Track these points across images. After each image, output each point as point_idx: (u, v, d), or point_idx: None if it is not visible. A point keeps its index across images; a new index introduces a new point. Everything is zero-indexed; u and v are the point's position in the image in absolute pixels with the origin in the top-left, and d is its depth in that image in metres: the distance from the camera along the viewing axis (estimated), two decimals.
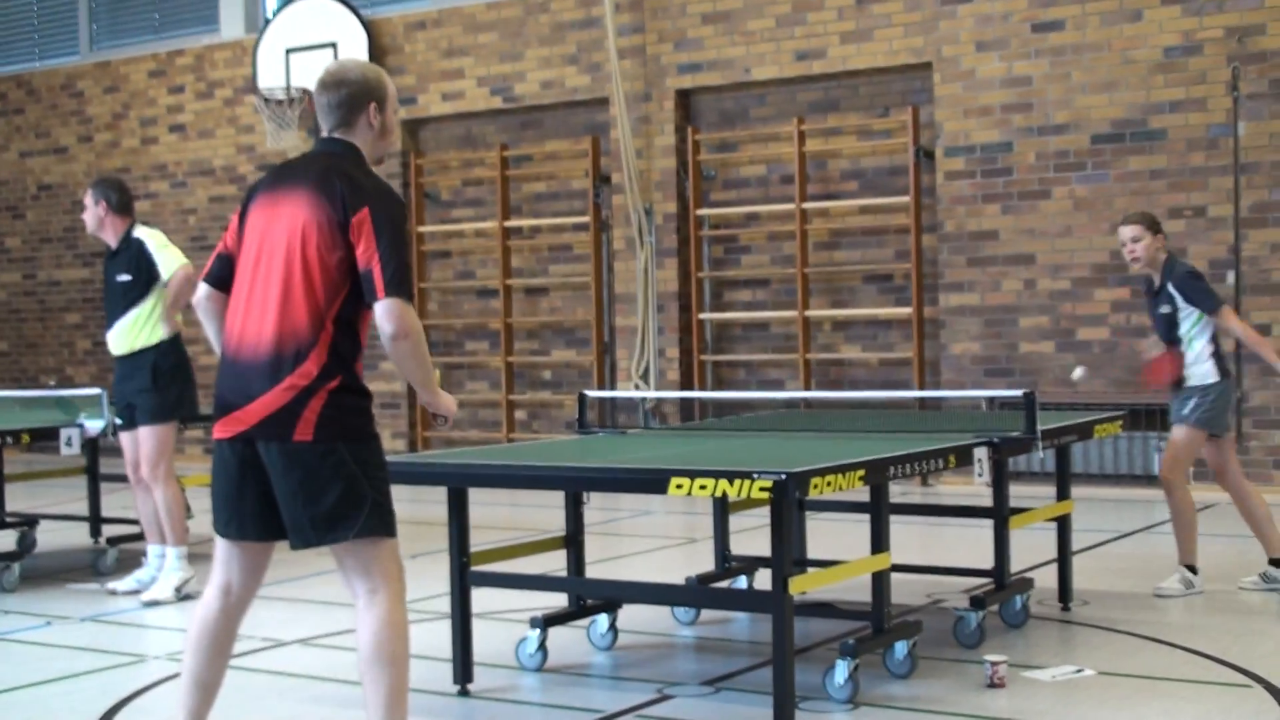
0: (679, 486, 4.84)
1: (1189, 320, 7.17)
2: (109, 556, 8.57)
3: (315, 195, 4.20)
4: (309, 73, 14.20)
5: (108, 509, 9.58)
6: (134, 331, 7.71)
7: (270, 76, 14.37)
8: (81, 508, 9.76)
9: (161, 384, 7.69)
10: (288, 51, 14.32)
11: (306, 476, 4.17)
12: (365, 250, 4.13)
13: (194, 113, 15.55)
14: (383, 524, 4.33)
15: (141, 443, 7.72)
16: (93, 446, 8.95)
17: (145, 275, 7.68)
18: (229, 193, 15.27)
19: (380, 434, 4.39)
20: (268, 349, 4.17)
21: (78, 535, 9.65)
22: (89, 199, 7.87)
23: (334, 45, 14.20)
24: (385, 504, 4.33)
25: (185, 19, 15.96)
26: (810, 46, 12.37)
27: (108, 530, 9.30)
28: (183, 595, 7.66)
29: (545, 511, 9.92)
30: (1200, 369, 7.17)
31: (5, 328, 17.01)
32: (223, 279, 4.43)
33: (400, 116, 14.18)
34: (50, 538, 9.60)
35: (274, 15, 14.65)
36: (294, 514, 4.25)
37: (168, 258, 7.69)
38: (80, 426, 8.19)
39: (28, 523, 9.25)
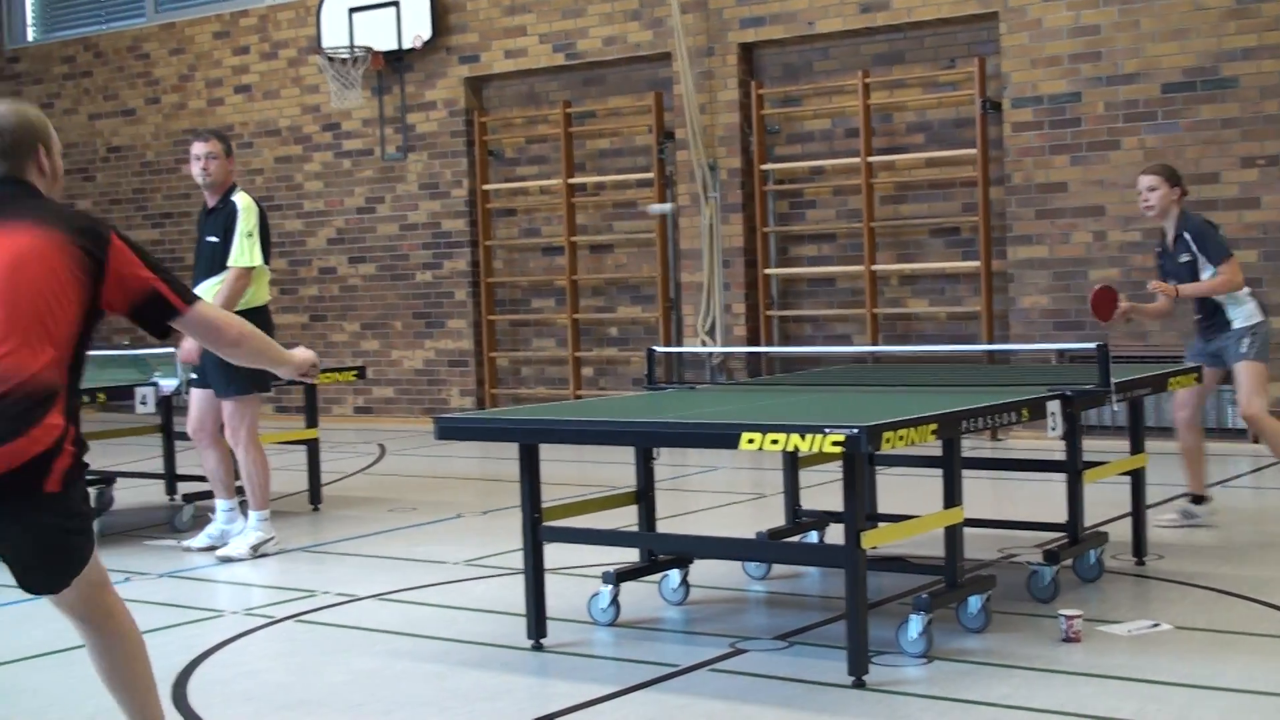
0: (750, 441, 4.84)
1: (1210, 268, 7.46)
2: (185, 513, 8.68)
3: (46, 229, 3.73)
4: (373, 32, 14.24)
5: (182, 466, 9.71)
6: (215, 296, 7.65)
7: (334, 36, 14.40)
8: (156, 465, 9.90)
9: None
10: (351, 11, 14.34)
11: (49, 527, 3.69)
12: (136, 272, 3.80)
13: (259, 73, 15.62)
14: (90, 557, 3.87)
15: (223, 411, 7.78)
16: (166, 405, 9.06)
17: (227, 243, 7.67)
18: (295, 153, 15.35)
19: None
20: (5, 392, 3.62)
21: (153, 492, 9.79)
22: (218, 148, 7.76)
23: (396, 4, 14.21)
24: (92, 535, 3.91)
25: None
26: None
27: (182, 487, 9.43)
28: (258, 554, 7.75)
29: (612, 468, 9.97)
30: (1244, 309, 7.53)
31: None
32: None
33: (464, 74, 14.21)
34: (126, 495, 9.74)
35: None
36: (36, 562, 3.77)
37: (243, 248, 7.63)
38: (155, 385, 8.29)
39: (105, 480, 9.39)
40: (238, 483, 8.05)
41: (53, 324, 3.69)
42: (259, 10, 15.57)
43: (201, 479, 9.37)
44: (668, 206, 7.58)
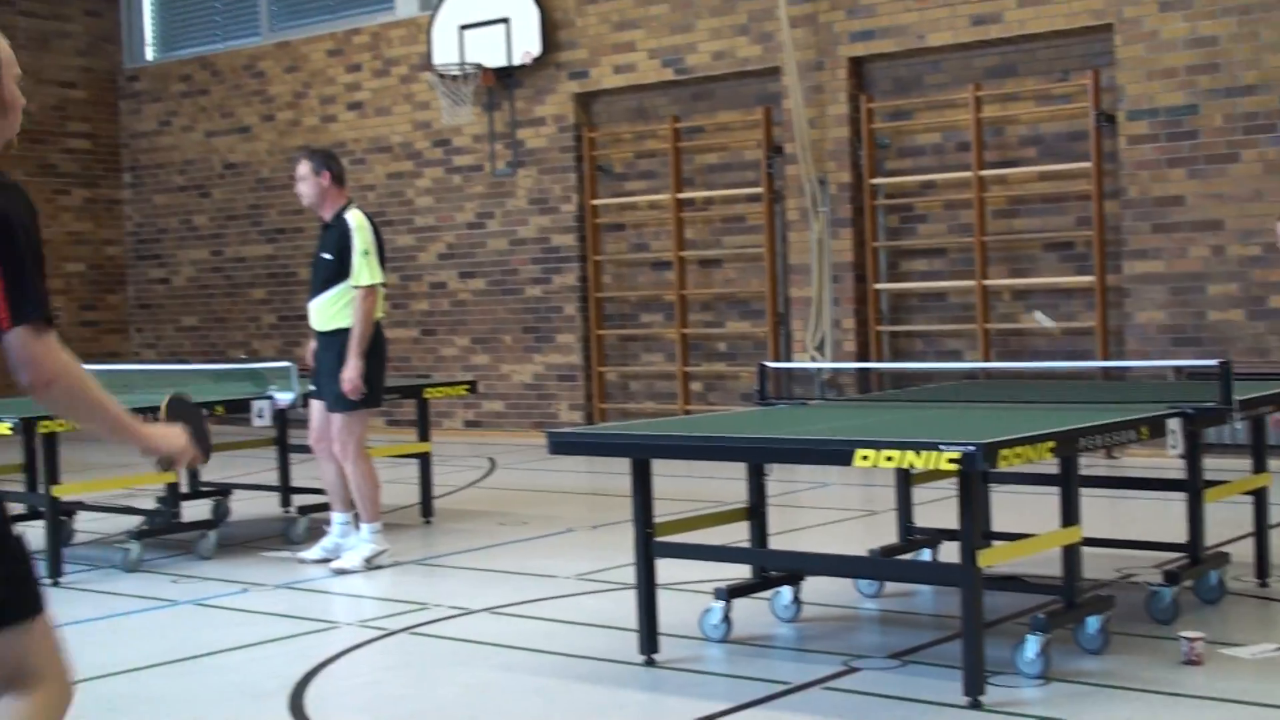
0: (864, 458, 4.81)
1: None
2: (300, 525, 8.79)
3: None
4: (483, 48, 14.37)
5: (296, 479, 9.84)
6: (328, 311, 7.84)
7: (445, 53, 14.54)
8: (271, 477, 10.04)
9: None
10: (461, 28, 14.48)
11: None
12: None
13: (371, 90, 15.82)
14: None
15: (332, 423, 7.89)
16: (282, 418, 9.18)
17: (342, 262, 7.77)
18: (406, 169, 15.52)
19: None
20: None
21: (268, 504, 9.93)
22: (307, 168, 7.89)
23: (506, 20, 14.33)
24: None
25: None
26: (986, 10, 12.16)
27: (297, 500, 9.56)
28: (372, 566, 7.83)
29: (721, 483, 9.97)
30: None
31: (194, 303, 17.51)
32: None
33: (573, 90, 14.29)
34: (243, 506, 9.89)
35: None
36: None
37: (364, 266, 7.72)
38: (270, 399, 8.41)
39: (222, 492, 9.56)
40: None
41: None
42: (371, 28, 15.77)
43: (316, 491, 9.52)
44: (1052, 324, 7.82)
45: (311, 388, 8.09)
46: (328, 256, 7.84)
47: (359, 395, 7.73)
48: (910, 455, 4.73)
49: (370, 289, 7.71)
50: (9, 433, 7.55)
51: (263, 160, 16.74)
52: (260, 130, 16.77)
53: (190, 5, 17.82)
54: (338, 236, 7.82)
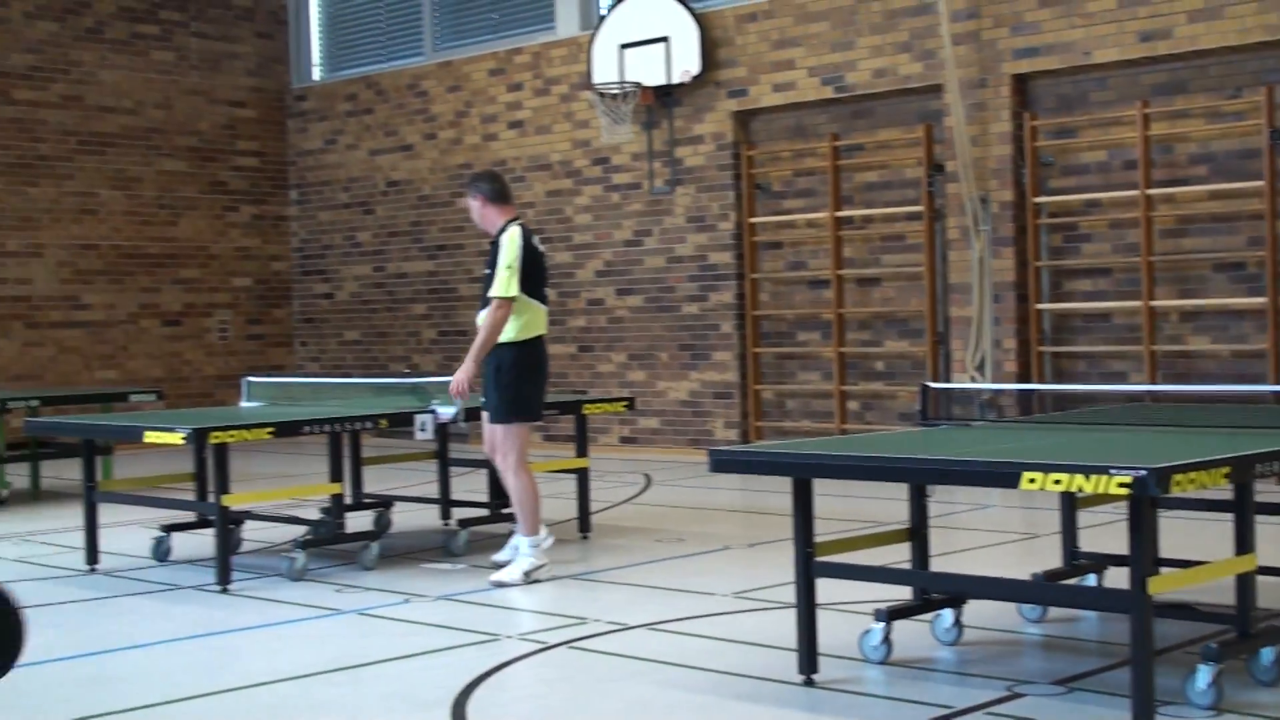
0: (1031, 481, 4.74)
1: None
2: (460, 538, 8.89)
3: None
4: (643, 67, 14.45)
5: (456, 492, 9.95)
6: None
7: (604, 72, 14.66)
8: (431, 490, 10.17)
9: (503, 383, 7.98)
10: (621, 47, 14.58)
11: None
12: None
13: (532, 109, 15.99)
14: None
15: (495, 436, 8.07)
16: (443, 432, 9.30)
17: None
18: (565, 186, 15.65)
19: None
20: None
21: (429, 517, 10.06)
22: (467, 196, 8.31)
23: (666, 39, 14.39)
24: None
25: (523, 19, 16.43)
26: (1155, 26, 11.92)
27: (457, 513, 9.67)
28: (531, 580, 7.90)
29: (877, 503, 9.88)
30: None
31: (356, 318, 17.84)
32: None
33: (732, 108, 14.30)
34: (404, 518, 10.04)
35: (608, 12, 14.94)
36: None
37: (504, 280, 7.86)
38: (433, 413, 8.53)
39: (384, 504, 9.72)
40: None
41: None
42: (533, 48, 15.95)
43: (477, 504, 9.66)
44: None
45: (483, 399, 8.26)
46: (488, 272, 8.03)
47: (462, 394, 7.95)
48: (1079, 479, 4.65)
49: (505, 302, 7.85)
50: (181, 442, 7.75)
51: (424, 178, 17.00)
52: (422, 148, 17.03)
53: (356, 26, 18.19)
54: (494, 252, 8.03)
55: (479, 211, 8.21)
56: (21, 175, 16.33)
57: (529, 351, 8.02)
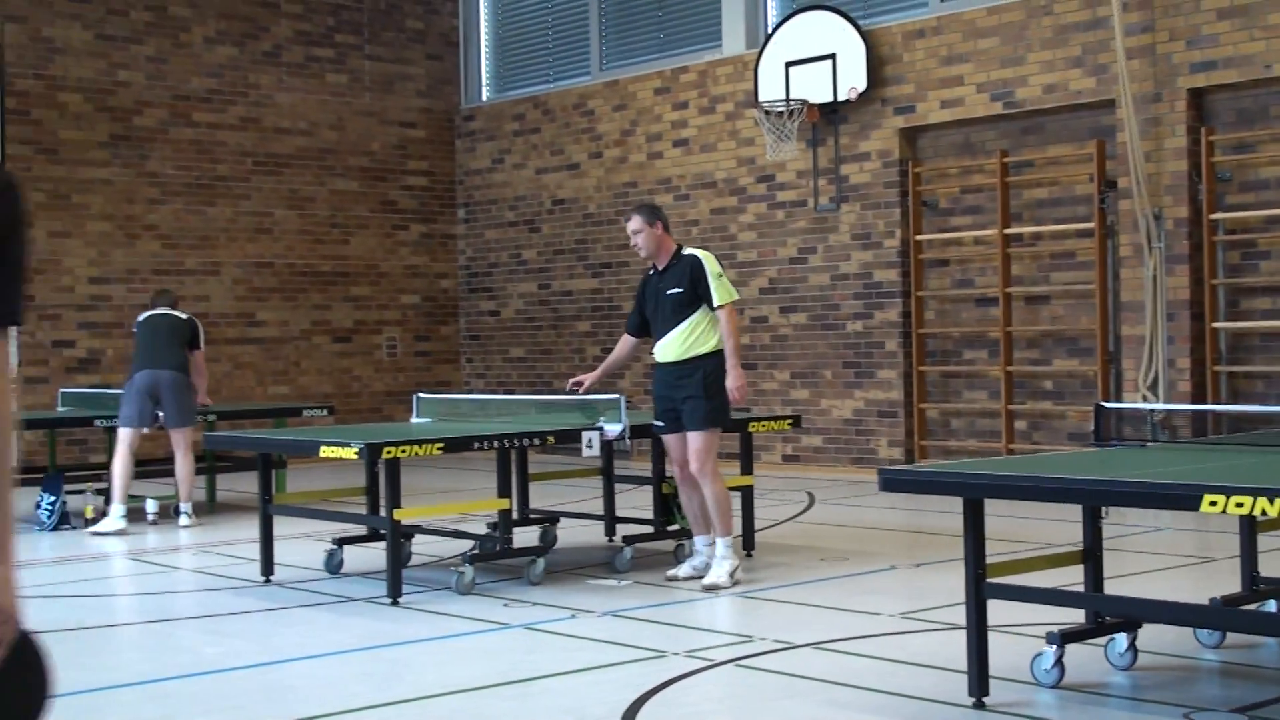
0: (1213, 504, 4.63)
1: None
2: (625, 555, 8.93)
3: None
4: (809, 85, 14.42)
5: (621, 509, 10.00)
6: (686, 341, 8.31)
7: (770, 90, 14.66)
8: (596, 506, 10.24)
9: (710, 391, 8.29)
10: (787, 65, 14.57)
11: None
12: None
13: (697, 127, 16.04)
14: None
15: (691, 444, 8.30)
16: (608, 449, 9.36)
17: (694, 292, 8.26)
18: (730, 204, 15.67)
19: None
20: None
21: (594, 533, 10.13)
22: (640, 222, 8.42)
23: (833, 56, 14.35)
24: None
25: (689, 37, 16.51)
26: None
27: (622, 529, 9.72)
28: (735, 580, 8.20)
29: (1047, 525, 9.71)
30: None
31: (522, 335, 18.04)
32: None
33: (898, 125, 14.20)
34: (569, 534, 10.12)
35: (774, 30, 14.94)
36: None
37: (722, 288, 8.26)
38: (600, 430, 8.60)
39: (550, 520, 9.81)
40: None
41: None
42: (699, 66, 16.01)
43: (641, 521, 9.70)
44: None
45: (658, 424, 8.52)
46: (677, 291, 8.30)
47: (745, 397, 8.32)
48: (1262, 502, 4.53)
49: (733, 305, 8.29)
50: (355, 457, 7.90)
51: (590, 196, 17.15)
52: (588, 167, 17.18)
53: (524, 48, 18.44)
54: (685, 270, 8.31)
55: (656, 238, 8.41)
56: (200, 195, 16.81)
57: (721, 362, 8.35)
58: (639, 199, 16.33)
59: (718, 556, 8.29)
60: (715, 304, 8.23)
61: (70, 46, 15.95)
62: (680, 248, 8.49)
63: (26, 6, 15.65)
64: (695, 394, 8.25)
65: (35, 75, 15.70)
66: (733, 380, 8.25)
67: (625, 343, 8.84)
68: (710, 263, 8.31)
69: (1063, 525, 8.96)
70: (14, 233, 2.68)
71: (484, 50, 18.80)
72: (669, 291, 8.33)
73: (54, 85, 15.85)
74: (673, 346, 8.35)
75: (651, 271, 8.56)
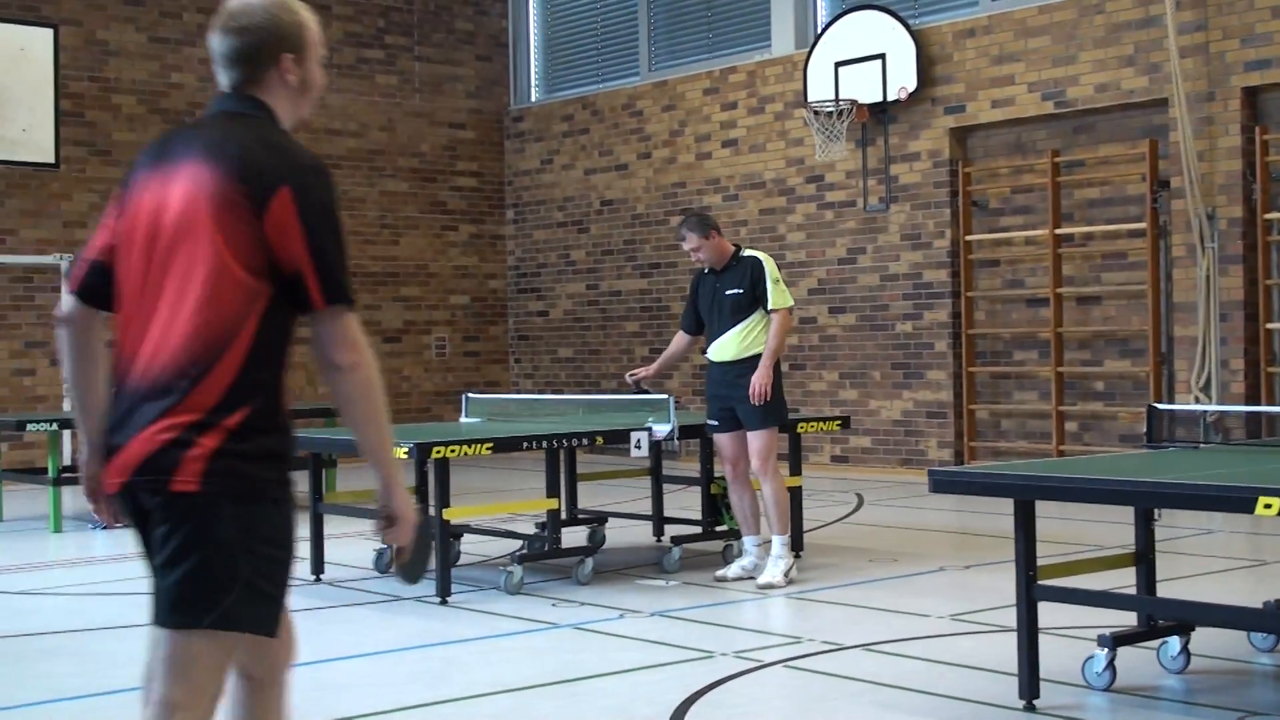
0: (1267, 506, 4.59)
1: None
2: (674, 555, 8.93)
3: (212, 170, 3.17)
4: (858, 85, 14.38)
5: (669, 509, 10.00)
6: (744, 341, 8.40)
7: (819, 90, 14.62)
8: (645, 507, 10.24)
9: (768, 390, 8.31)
10: (836, 65, 14.53)
11: (176, 538, 3.14)
12: (290, 246, 3.15)
13: (746, 128, 16.02)
14: (253, 615, 3.20)
15: (751, 443, 8.39)
16: (657, 450, 9.36)
17: (753, 294, 8.36)
18: (779, 205, 15.64)
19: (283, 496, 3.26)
20: (152, 374, 3.16)
21: (642, 533, 10.13)
22: (697, 238, 8.44)
23: (882, 56, 14.30)
24: (263, 590, 3.20)
25: (738, 38, 16.49)
26: None
27: (670, 530, 9.71)
28: (789, 580, 8.27)
29: (1097, 526, 9.65)
30: None
31: (570, 335, 18.07)
32: (96, 290, 3.34)
33: (949, 125, 14.14)
34: (617, 535, 10.13)
35: (823, 30, 14.90)
36: (156, 581, 3.24)
37: (779, 293, 8.36)
38: (648, 430, 8.60)
39: (598, 520, 9.82)
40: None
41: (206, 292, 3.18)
42: (748, 66, 15.99)
43: (689, 522, 9.69)
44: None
45: (713, 422, 8.58)
46: (736, 291, 8.39)
47: (765, 399, 8.25)
48: None
49: (788, 310, 8.40)
50: (404, 456, 7.93)
51: (639, 197, 17.15)
52: (637, 168, 17.19)
53: (573, 49, 18.47)
54: (745, 272, 8.41)
55: (715, 247, 8.46)
56: None
57: (776, 362, 8.44)
58: (686, 202, 16.34)
59: (774, 555, 8.35)
60: (770, 307, 8.32)
61: (124, 49, 16.09)
62: (739, 249, 8.56)
63: (82, 11, 15.79)
64: (750, 396, 8.30)
65: (90, 78, 15.84)
66: (758, 377, 8.25)
67: (680, 339, 8.90)
68: (770, 266, 8.40)
69: (1114, 527, 8.90)
70: (331, 216, 3.21)
71: (533, 51, 18.84)
72: (728, 292, 8.41)
73: (108, 87, 15.99)
74: (729, 346, 8.42)
75: (707, 270, 8.59)
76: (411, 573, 3.48)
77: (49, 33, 14.71)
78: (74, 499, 12.10)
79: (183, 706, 3.15)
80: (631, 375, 9.04)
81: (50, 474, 11.32)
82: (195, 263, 3.15)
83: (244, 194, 3.15)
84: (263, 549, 3.17)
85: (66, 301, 3.38)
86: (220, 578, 3.12)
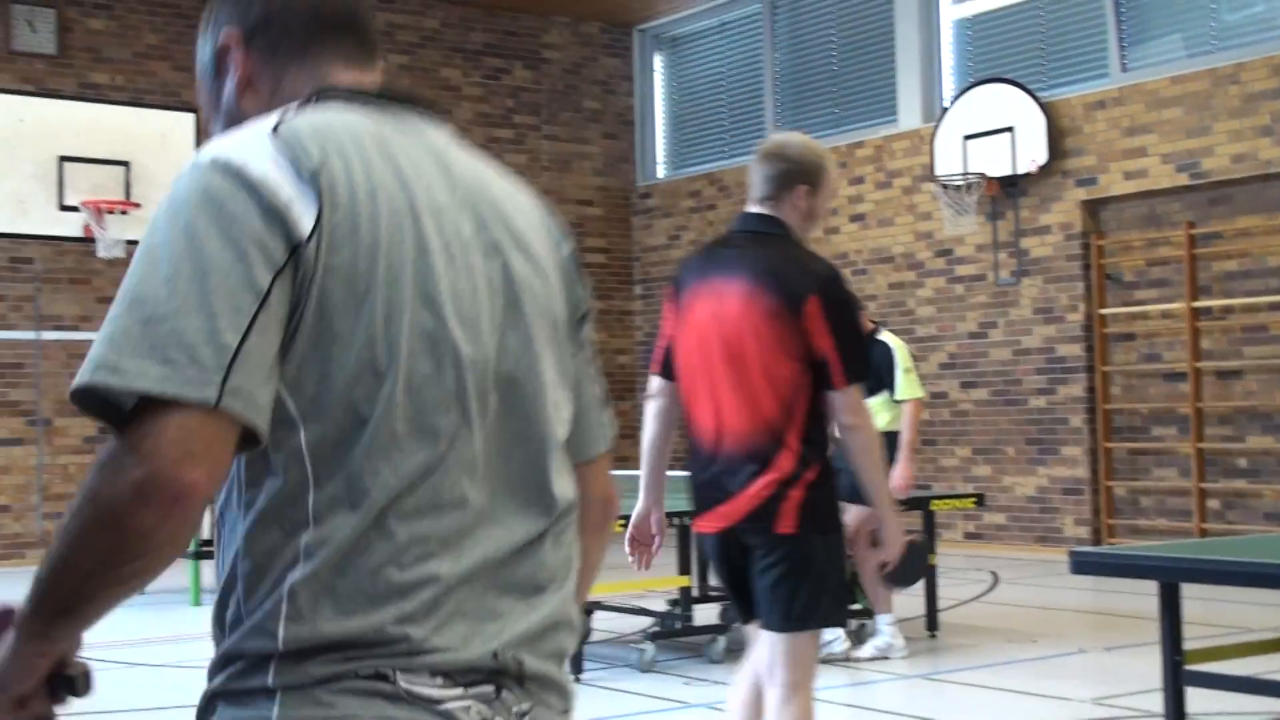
0: None
1: None
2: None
3: (757, 287, 4.21)
4: (987, 158, 14.30)
5: None
6: None
7: (947, 163, 14.56)
8: None
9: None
10: (965, 138, 14.47)
11: (783, 566, 4.21)
12: (819, 339, 4.15)
13: (874, 202, 15.99)
14: (834, 613, 4.45)
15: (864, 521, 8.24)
16: None
17: (880, 377, 8.34)
18: (908, 279, 15.56)
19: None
20: (740, 446, 4.23)
21: None
22: None
23: (1011, 129, 14.22)
24: (840, 595, 4.40)
25: (865, 112, 16.49)
26: None
27: None
28: (882, 657, 8.19)
29: (1245, 608, 9.38)
30: None
31: None
32: (668, 369, 4.56)
33: (1080, 197, 13.99)
34: None
35: (951, 103, 14.86)
36: (767, 601, 4.29)
37: (909, 382, 8.39)
38: None
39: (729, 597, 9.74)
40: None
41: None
42: (875, 141, 15.97)
43: None
44: None
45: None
46: None
47: (906, 491, 8.31)
48: None
49: (916, 401, 8.43)
50: None
51: None
52: None
53: (700, 125, 18.59)
54: (876, 358, 8.36)
55: None
56: None
57: (889, 442, 8.33)
58: None
59: (878, 631, 8.38)
60: (897, 397, 8.36)
61: None
62: (876, 329, 8.60)
63: None
64: None
65: None
66: (900, 472, 8.24)
67: None
68: (902, 354, 8.45)
69: (1262, 609, 8.67)
70: (848, 313, 4.23)
71: (660, 128, 19.01)
72: None
73: None
74: None
75: None
76: (901, 579, 5.10)
77: (190, 117, 15.11)
78: (211, 573, 12.28)
79: (800, 686, 4.26)
80: None
81: (191, 548, 11.51)
82: (755, 359, 4.18)
83: (784, 305, 4.16)
84: (837, 565, 4.32)
85: (655, 382, 4.60)
86: (819, 592, 4.22)
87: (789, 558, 4.19)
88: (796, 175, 4.34)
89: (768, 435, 4.17)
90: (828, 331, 4.14)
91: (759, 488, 4.18)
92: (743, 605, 4.41)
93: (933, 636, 9.16)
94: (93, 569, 1.60)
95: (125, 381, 1.58)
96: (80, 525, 1.59)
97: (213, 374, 1.59)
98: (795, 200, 4.34)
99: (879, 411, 8.30)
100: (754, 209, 4.42)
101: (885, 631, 8.44)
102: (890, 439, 8.30)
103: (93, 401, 1.63)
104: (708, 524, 4.36)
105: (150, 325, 1.60)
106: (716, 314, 4.28)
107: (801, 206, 4.36)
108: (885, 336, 8.58)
